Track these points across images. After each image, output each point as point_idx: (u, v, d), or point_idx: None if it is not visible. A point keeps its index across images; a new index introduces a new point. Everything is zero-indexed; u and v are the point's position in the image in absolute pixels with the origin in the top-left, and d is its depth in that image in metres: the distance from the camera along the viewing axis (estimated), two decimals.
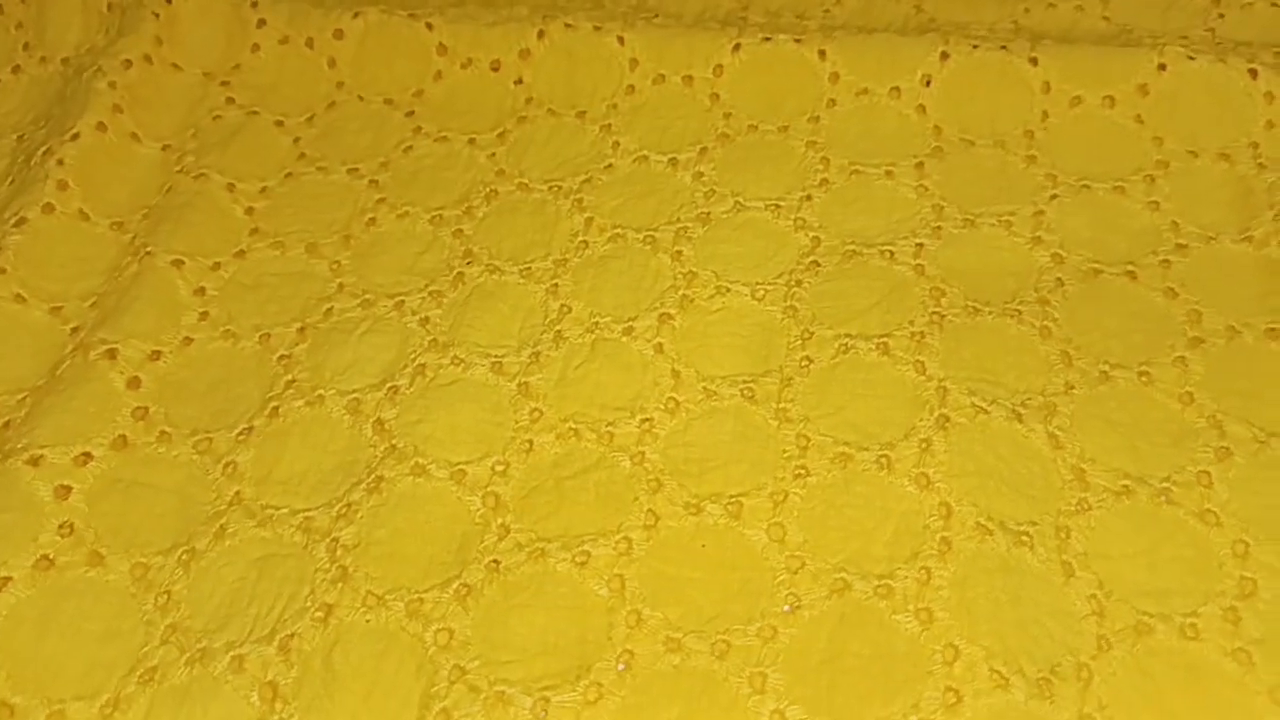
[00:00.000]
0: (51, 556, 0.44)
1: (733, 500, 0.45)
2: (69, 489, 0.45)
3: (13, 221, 0.53)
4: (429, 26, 0.63)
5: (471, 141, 0.60)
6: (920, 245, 0.54)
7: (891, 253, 0.54)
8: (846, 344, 0.50)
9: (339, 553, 0.44)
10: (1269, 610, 0.41)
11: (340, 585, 0.43)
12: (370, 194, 0.58)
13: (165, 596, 0.43)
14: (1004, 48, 0.59)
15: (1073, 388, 0.48)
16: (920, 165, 0.57)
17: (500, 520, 0.45)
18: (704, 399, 0.49)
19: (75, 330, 0.52)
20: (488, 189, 0.58)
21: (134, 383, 0.49)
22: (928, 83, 0.60)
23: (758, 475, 0.46)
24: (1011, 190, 0.56)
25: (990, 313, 0.51)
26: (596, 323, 0.52)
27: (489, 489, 0.46)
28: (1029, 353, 0.50)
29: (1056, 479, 0.45)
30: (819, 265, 0.53)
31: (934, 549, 0.43)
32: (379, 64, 0.64)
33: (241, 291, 0.54)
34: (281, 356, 0.51)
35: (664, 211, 0.56)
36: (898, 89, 0.60)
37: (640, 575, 0.43)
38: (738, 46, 0.61)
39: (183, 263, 0.54)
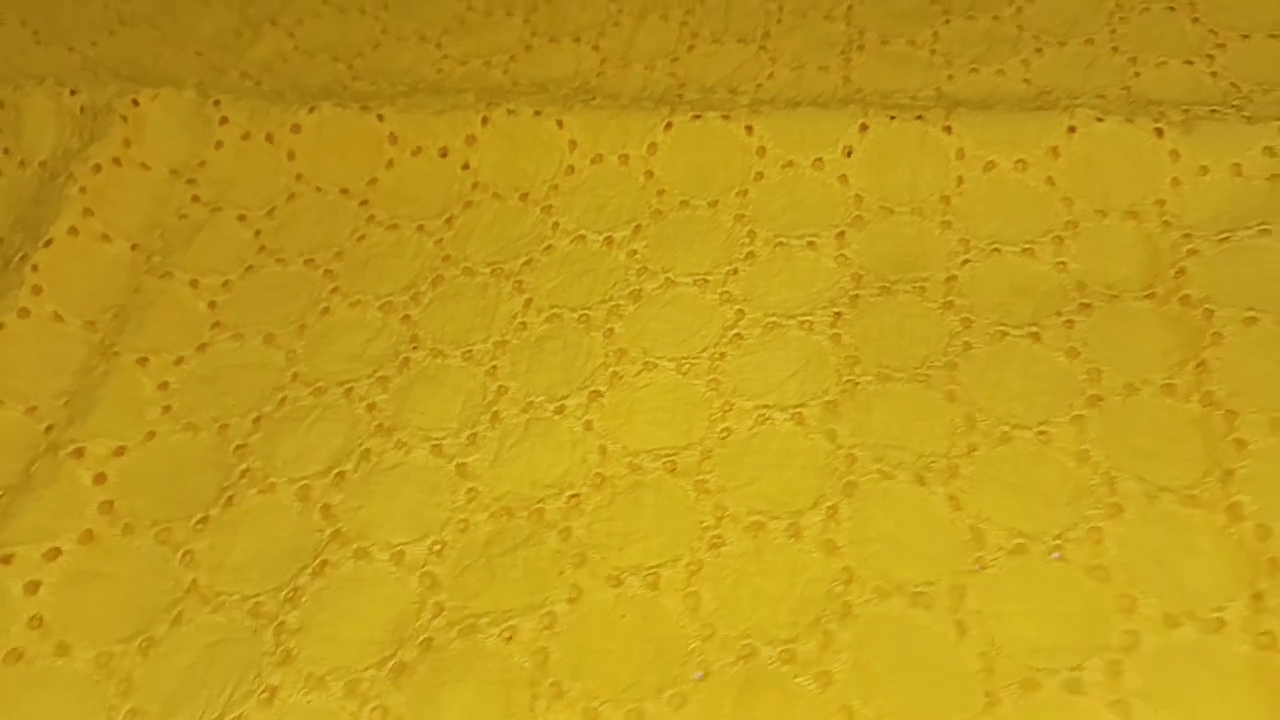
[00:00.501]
0: (21, 649, 0.47)
1: (651, 571, 0.48)
2: (38, 584, 0.49)
3: None
4: (380, 118, 0.67)
5: (420, 228, 0.64)
6: (838, 314, 0.57)
7: (810, 323, 0.56)
8: (764, 415, 0.53)
9: (284, 636, 0.47)
10: (1149, 662, 0.44)
11: (284, 667, 0.46)
12: (325, 283, 0.62)
13: (126, 683, 0.47)
14: (919, 117, 0.62)
15: (975, 449, 0.51)
16: (841, 234, 0.60)
17: (435, 599, 0.48)
18: (628, 473, 0.52)
19: (49, 429, 0.56)
20: (434, 274, 0.61)
21: (100, 478, 0.53)
22: (849, 154, 0.63)
23: (676, 546, 0.49)
24: (927, 256, 0.59)
25: (900, 379, 0.54)
26: (531, 402, 0.55)
27: (425, 569, 0.49)
28: (935, 417, 0.52)
29: (955, 539, 0.48)
30: (742, 338, 0.56)
31: (835, 613, 0.46)
32: (335, 155, 0.67)
33: (202, 384, 0.57)
34: (238, 446, 0.55)
35: (598, 290, 0.60)
36: (821, 160, 0.63)
37: (563, 648, 0.46)
38: (669, 125, 0.64)
39: (147, 360, 0.58)
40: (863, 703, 0.43)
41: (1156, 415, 0.51)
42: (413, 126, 0.67)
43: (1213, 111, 0.62)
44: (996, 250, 0.59)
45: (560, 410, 0.54)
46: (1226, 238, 0.56)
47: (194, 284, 0.62)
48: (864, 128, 0.62)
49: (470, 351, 0.58)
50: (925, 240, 0.60)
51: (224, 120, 0.68)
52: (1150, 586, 0.46)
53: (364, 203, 0.66)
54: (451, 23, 0.78)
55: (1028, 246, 0.59)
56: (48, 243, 0.61)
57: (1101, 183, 0.60)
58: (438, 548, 0.50)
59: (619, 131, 0.65)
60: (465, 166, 0.66)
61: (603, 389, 0.55)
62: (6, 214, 0.66)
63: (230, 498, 0.52)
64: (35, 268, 0.60)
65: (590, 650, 0.46)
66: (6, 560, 0.49)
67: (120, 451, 0.54)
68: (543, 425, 0.54)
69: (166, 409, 0.56)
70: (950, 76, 0.68)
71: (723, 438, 0.52)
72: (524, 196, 0.65)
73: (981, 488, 0.49)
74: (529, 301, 0.59)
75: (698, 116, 0.64)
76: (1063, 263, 0.58)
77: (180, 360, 0.58)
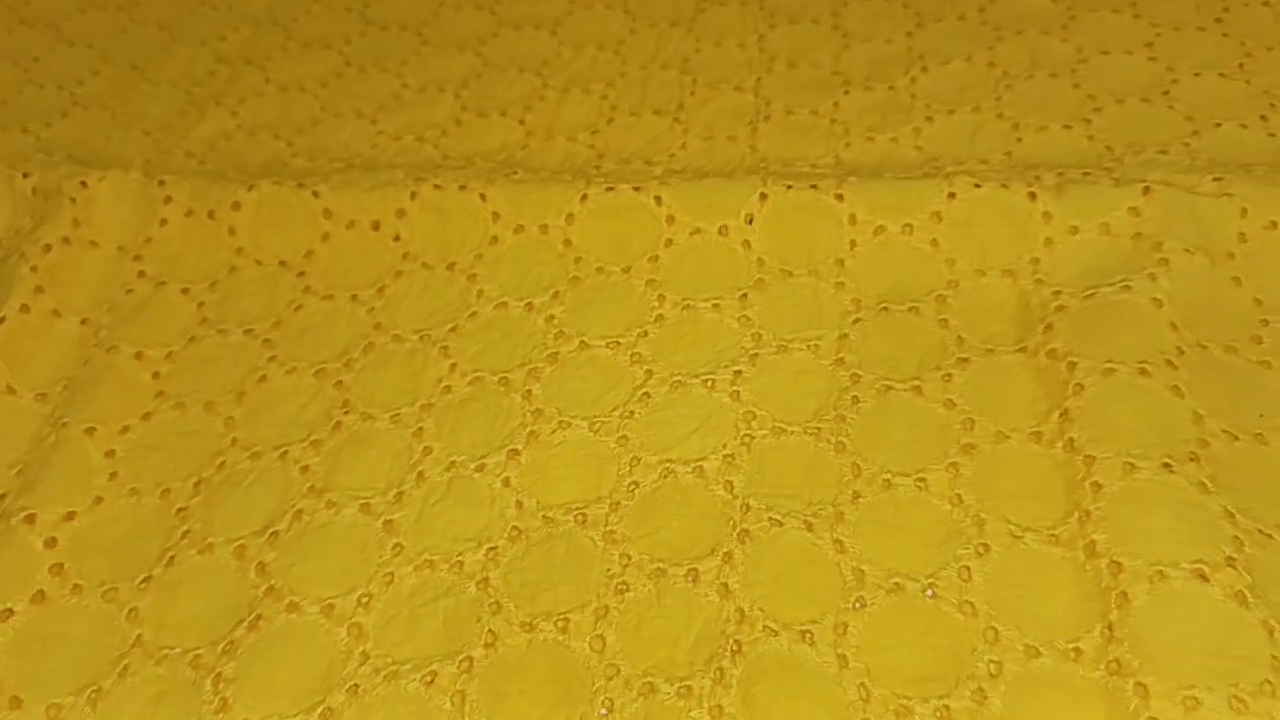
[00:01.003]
0: None
1: (562, 617, 0.52)
2: None
3: None
4: (315, 194, 0.71)
5: (354, 298, 0.68)
6: (738, 373, 0.61)
7: (713, 381, 0.61)
8: (668, 469, 0.57)
9: (221, 685, 0.51)
10: (1009, 689, 0.48)
11: (222, 715, 0.50)
12: (263, 352, 0.66)
13: None
14: (814, 186, 0.67)
15: (859, 496, 0.55)
16: (744, 297, 0.65)
17: (361, 648, 0.52)
18: (542, 526, 0.56)
19: (2, 497, 0.59)
20: (366, 342, 0.66)
21: (50, 542, 0.57)
22: (750, 220, 0.67)
23: (584, 593, 0.53)
24: (822, 316, 0.64)
25: (794, 432, 0.58)
26: (454, 461, 0.59)
27: (353, 620, 0.53)
28: (824, 467, 0.57)
29: (839, 581, 0.52)
30: (649, 396, 0.61)
31: (728, 651, 0.50)
32: (273, 230, 0.72)
33: (146, 452, 0.61)
34: (179, 510, 0.58)
35: (518, 354, 0.64)
36: (725, 227, 0.68)
37: (479, 690, 0.50)
38: (585, 197, 0.69)
39: (95, 430, 0.62)
40: None
41: (1024, 461, 0.56)
42: (346, 202, 0.71)
43: (1085, 174, 0.67)
44: (885, 309, 0.63)
45: (480, 468, 0.58)
46: (1091, 294, 0.61)
47: (139, 356, 0.65)
48: (764, 196, 0.67)
49: (398, 415, 0.62)
50: (820, 300, 0.65)
51: (168, 199, 0.72)
52: (1013, 620, 0.50)
53: (301, 274, 0.70)
54: (387, 99, 0.83)
55: (914, 305, 0.63)
56: (1, 320, 0.64)
57: (980, 244, 0.65)
58: (365, 600, 0.54)
59: (539, 204, 0.70)
60: (396, 238, 0.71)
61: (520, 448, 0.59)
62: None
63: (172, 558, 0.56)
64: None
65: (504, 692, 0.50)
66: None
67: (70, 517, 0.58)
68: (464, 483, 0.58)
69: (113, 476, 0.60)
70: (848, 144, 0.74)
71: (630, 491, 0.57)
72: (451, 266, 0.69)
73: (864, 532, 0.54)
74: (454, 366, 0.64)
75: (611, 189, 0.69)
76: (944, 319, 0.62)
77: (126, 429, 0.62)
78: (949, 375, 0.60)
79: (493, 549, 0.55)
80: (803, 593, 0.52)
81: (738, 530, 0.54)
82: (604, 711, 0.49)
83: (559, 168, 0.74)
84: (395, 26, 0.90)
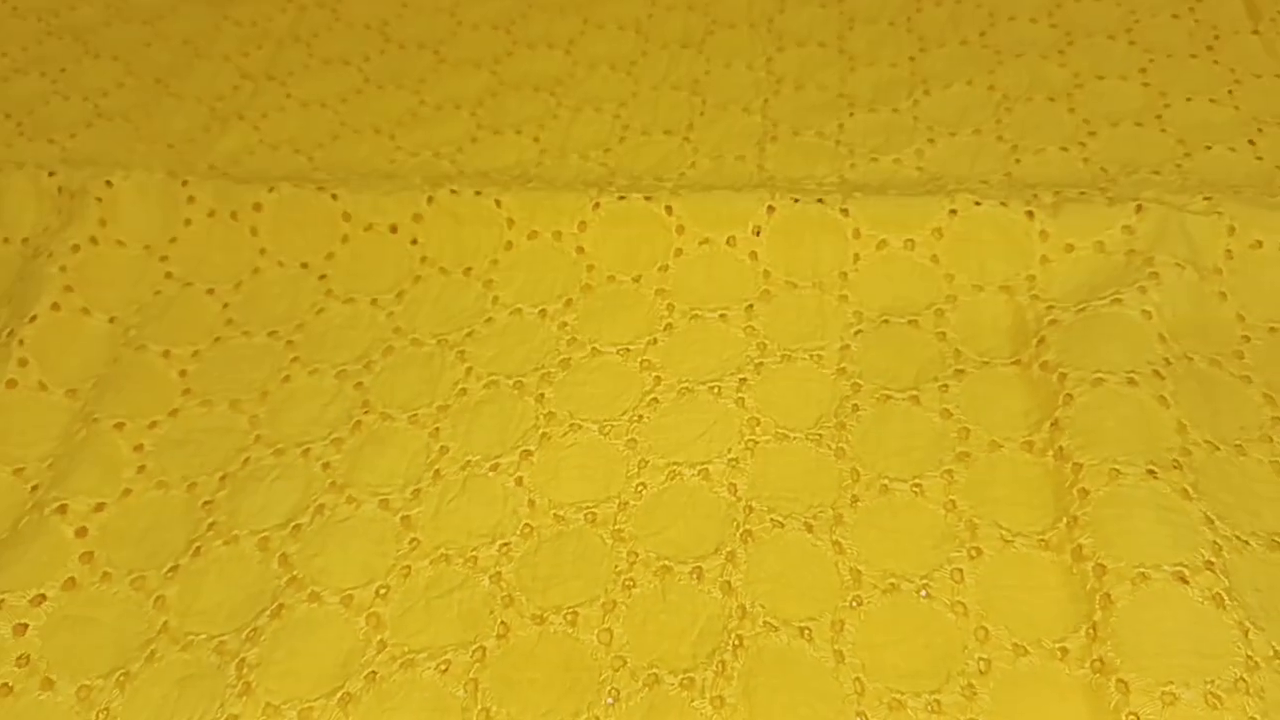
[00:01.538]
0: (10, 684, 0.53)
1: (571, 610, 0.55)
2: (25, 626, 0.55)
3: None
4: (334, 197, 0.74)
5: (374, 302, 0.71)
6: (744, 380, 0.64)
7: (719, 388, 0.64)
8: (674, 471, 0.60)
9: (244, 670, 0.53)
10: (998, 686, 0.51)
11: (245, 698, 0.52)
12: (287, 354, 0.68)
13: (105, 713, 0.53)
14: (820, 201, 0.70)
15: (858, 500, 0.58)
16: (750, 307, 0.68)
17: (379, 637, 0.55)
18: (553, 524, 0.58)
19: (35, 488, 0.62)
20: (385, 345, 0.68)
21: (81, 532, 0.59)
22: (757, 232, 0.70)
23: (593, 588, 0.56)
24: (825, 327, 0.66)
25: (796, 438, 0.61)
26: (469, 461, 0.61)
27: (371, 610, 0.55)
28: (824, 472, 0.59)
29: (837, 580, 0.55)
30: (658, 402, 0.63)
31: (729, 645, 0.53)
32: (295, 230, 0.74)
33: (173, 447, 0.64)
34: (205, 502, 0.61)
35: (532, 359, 0.66)
36: (733, 238, 0.70)
37: (491, 678, 0.53)
38: (597, 204, 0.72)
39: (124, 425, 0.64)
40: None
41: (1016, 469, 0.58)
42: (364, 205, 0.74)
43: (1081, 194, 0.70)
44: (886, 321, 0.66)
45: (495, 468, 0.61)
46: (1083, 308, 0.63)
47: (166, 354, 0.68)
48: (771, 209, 0.70)
49: (416, 415, 0.64)
50: (824, 312, 0.67)
51: (191, 199, 0.75)
52: (1003, 619, 0.53)
53: (322, 277, 0.72)
54: (405, 116, 0.86)
55: (913, 318, 0.66)
56: (32, 318, 0.67)
57: (979, 260, 0.68)
58: (383, 591, 0.56)
59: (552, 210, 0.72)
60: (414, 242, 0.73)
61: (533, 449, 0.62)
62: None
63: (198, 549, 0.58)
64: (21, 342, 0.66)
65: (515, 680, 0.53)
66: None
67: (99, 508, 0.60)
68: (479, 481, 0.60)
69: (141, 469, 0.62)
70: (853, 165, 0.76)
71: (638, 492, 0.59)
72: (467, 271, 0.72)
73: (862, 534, 0.56)
74: (470, 369, 0.66)
75: (623, 197, 0.72)
76: (942, 332, 0.65)
77: (154, 425, 0.64)
78: (946, 386, 0.62)
79: (505, 545, 0.58)
80: (802, 591, 0.54)
81: (741, 530, 0.57)
82: (610, 701, 0.52)
83: (572, 182, 0.77)
84: (413, 45, 0.93)
